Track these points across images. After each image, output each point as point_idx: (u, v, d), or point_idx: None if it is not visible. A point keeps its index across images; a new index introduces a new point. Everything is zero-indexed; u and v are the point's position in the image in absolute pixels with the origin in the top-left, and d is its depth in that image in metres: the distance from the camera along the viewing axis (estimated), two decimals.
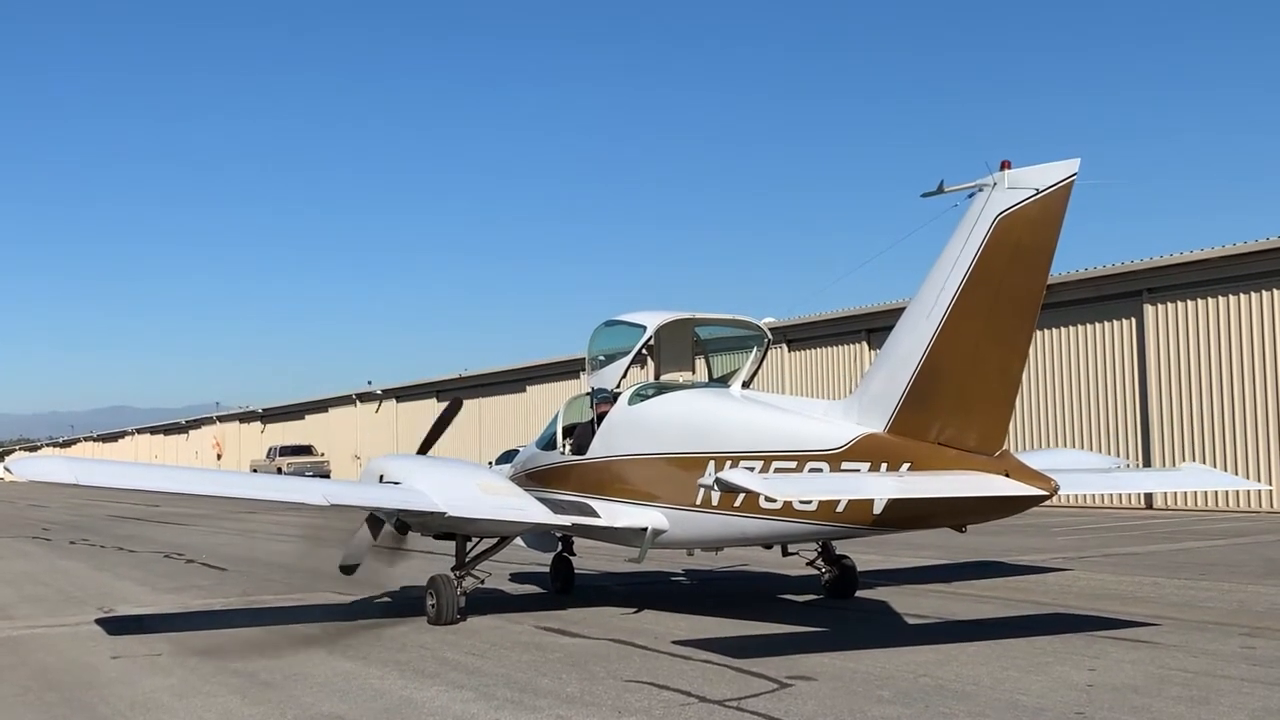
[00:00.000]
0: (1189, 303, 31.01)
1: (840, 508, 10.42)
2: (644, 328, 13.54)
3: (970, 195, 9.94)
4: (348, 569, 13.64)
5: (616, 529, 12.72)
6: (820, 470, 10.53)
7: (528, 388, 61.04)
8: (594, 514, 12.89)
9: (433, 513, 12.31)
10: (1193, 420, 30.83)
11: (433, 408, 70.49)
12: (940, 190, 10.03)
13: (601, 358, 14.01)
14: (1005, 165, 9.71)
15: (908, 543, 19.63)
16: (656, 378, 14.28)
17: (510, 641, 11.38)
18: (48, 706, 8.94)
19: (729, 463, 11.25)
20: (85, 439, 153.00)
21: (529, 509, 12.74)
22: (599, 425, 13.52)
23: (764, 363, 14.09)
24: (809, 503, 10.64)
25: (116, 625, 13.07)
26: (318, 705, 8.71)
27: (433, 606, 12.57)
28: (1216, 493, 29.53)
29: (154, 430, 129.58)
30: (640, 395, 13.28)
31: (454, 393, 68.21)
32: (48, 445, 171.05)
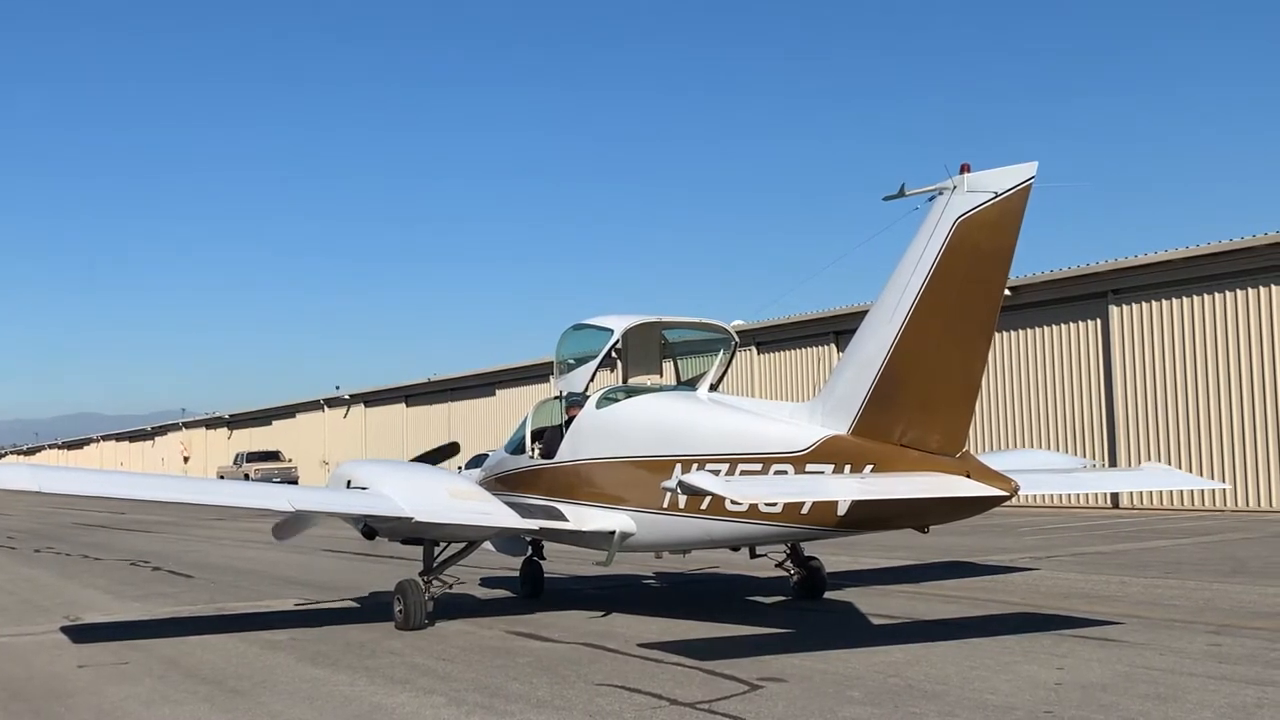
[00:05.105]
0: (1154, 304, 31.30)
1: (805, 509, 10.47)
2: (611, 331, 13.56)
3: (930, 199, 10.01)
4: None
5: (584, 532, 12.73)
6: (785, 472, 10.57)
7: (497, 391, 60.97)
8: (562, 517, 12.89)
9: (399, 518, 12.29)
10: (1158, 420, 31.13)
11: (401, 413, 70.30)
12: (901, 193, 10.10)
13: (570, 361, 13.99)
14: (965, 168, 9.79)
15: (876, 544, 19.74)
16: (624, 381, 14.30)
17: (480, 646, 11.37)
18: (13, 716, 8.86)
19: (695, 465, 11.29)
20: (50, 446, 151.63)
21: (496, 513, 12.73)
22: (568, 429, 13.53)
23: (732, 365, 14.14)
24: (774, 505, 10.67)
25: (82, 634, 12.96)
26: (286, 712, 8.68)
27: (400, 612, 12.55)
28: (1182, 492, 29.80)
29: (119, 437, 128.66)
30: (608, 399, 13.28)
31: (422, 397, 68.15)
32: (11, 452, 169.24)
